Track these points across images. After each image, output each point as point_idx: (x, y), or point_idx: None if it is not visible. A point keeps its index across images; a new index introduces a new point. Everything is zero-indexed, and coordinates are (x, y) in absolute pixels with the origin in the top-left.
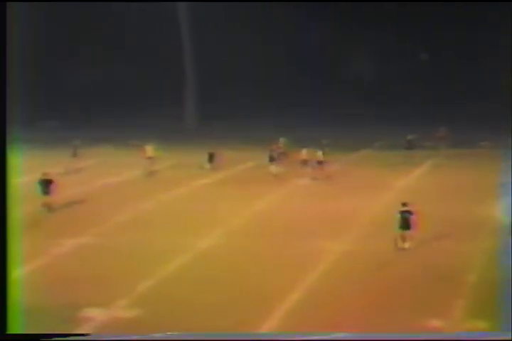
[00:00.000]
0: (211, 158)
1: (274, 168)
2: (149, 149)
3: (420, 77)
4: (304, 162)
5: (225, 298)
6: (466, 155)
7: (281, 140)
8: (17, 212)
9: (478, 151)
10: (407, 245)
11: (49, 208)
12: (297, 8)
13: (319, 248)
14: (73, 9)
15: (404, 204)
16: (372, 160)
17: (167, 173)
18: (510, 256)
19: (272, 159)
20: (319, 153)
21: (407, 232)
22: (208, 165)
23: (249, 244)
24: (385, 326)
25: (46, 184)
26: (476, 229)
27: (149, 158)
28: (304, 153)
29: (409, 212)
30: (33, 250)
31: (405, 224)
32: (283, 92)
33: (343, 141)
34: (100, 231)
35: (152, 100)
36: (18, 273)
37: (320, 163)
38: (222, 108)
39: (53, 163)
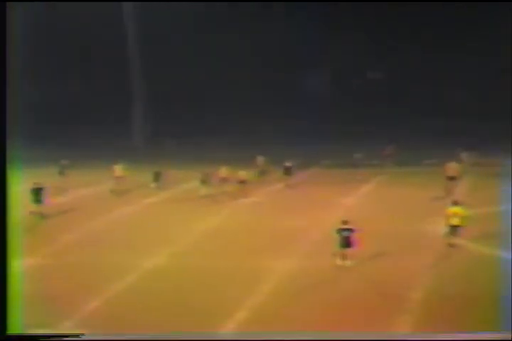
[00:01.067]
0: (157, 176)
1: (203, 190)
2: (118, 168)
3: (368, 95)
4: (224, 180)
5: (171, 317)
6: (411, 173)
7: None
8: None
9: (423, 169)
10: (348, 263)
11: (41, 215)
12: (261, 20)
13: (266, 266)
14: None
15: (344, 222)
16: (319, 177)
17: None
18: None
19: (203, 181)
20: (241, 172)
21: (348, 250)
22: (153, 184)
23: (195, 263)
24: None
25: (38, 192)
26: (419, 246)
27: (119, 177)
28: (224, 171)
29: (349, 230)
30: None
31: (346, 242)
32: (234, 108)
33: (291, 159)
34: (49, 251)
35: (102, 117)
36: None
37: (242, 182)
38: (172, 125)
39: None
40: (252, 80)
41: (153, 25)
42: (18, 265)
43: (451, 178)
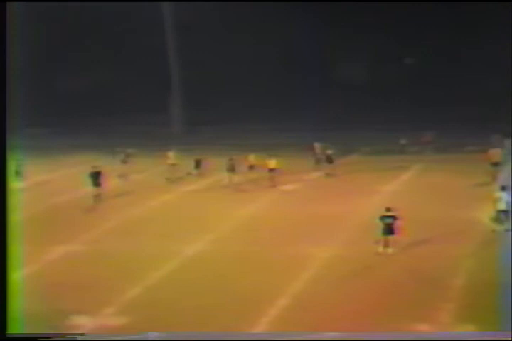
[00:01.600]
0: (198, 164)
1: (228, 178)
2: (172, 155)
3: (408, 81)
4: (251, 167)
5: (212, 304)
6: (451, 160)
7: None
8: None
9: (465, 156)
10: (390, 250)
11: (98, 199)
12: (287, 12)
13: (306, 253)
14: (58, 16)
15: (387, 210)
16: (360, 165)
17: (154, 179)
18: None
19: (231, 169)
20: (272, 161)
21: (391, 237)
22: (194, 171)
23: (236, 250)
24: (372, 330)
25: (96, 176)
26: (462, 233)
27: (172, 164)
28: (252, 159)
29: (392, 217)
30: (22, 257)
31: (388, 229)
32: (272, 97)
33: (332, 146)
34: (88, 238)
35: (138, 106)
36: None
37: (272, 170)
38: (209, 113)
39: (44, 170)
40: (286, 69)
41: (189, 13)
42: (18, 265)
43: (495, 164)
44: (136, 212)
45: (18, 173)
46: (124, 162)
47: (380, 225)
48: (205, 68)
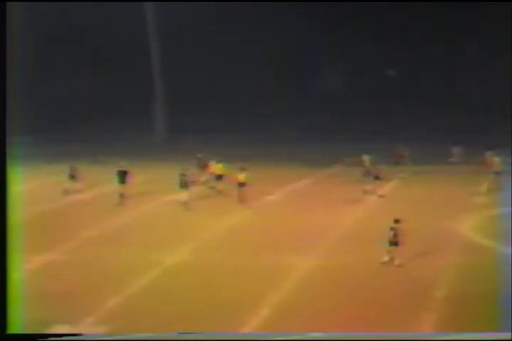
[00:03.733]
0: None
1: (182, 196)
2: (217, 166)
3: (387, 92)
4: (219, 177)
5: (193, 313)
6: (435, 170)
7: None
8: None
9: (448, 167)
10: (396, 262)
11: (123, 196)
12: (271, 23)
13: (288, 263)
14: (42, 23)
15: (396, 221)
16: (341, 175)
17: (136, 188)
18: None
19: (184, 185)
20: (240, 175)
21: (396, 248)
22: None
23: (218, 260)
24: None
25: (123, 174)
26: (445, 244)
27: (218, 175)
28: (217, 167)
29: (398, 229)
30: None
31: (394, 240)
32: (255, 106)
33: (314, 157)
34: (68, 247)
35: (121, 114)
36: None
37: (241, 184)
38: (193, 122)
39: (25, 178)
40: (273, 77)
41: (173, 22)
42: (18, 265)
43: (497, 173)
44: (117, 220)
45: (72, 177)
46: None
47: (388, 236)
48: (189, 77)
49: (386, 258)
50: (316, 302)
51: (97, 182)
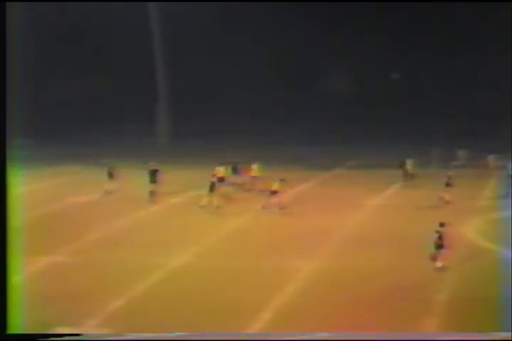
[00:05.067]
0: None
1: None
2: (254, 168)
3: (395, 95)
4: (221, 179)
5: (196, 316)
6: (438, 174)
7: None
8: None
9: (451, 170)
10: (439, 264)
11: (154, 195)
12: (276, 26)
13: (291, 266)
14: (44, 22)
15: (441, 225)
16: (345, 178)
17: (139, 191)
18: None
19: (212, 189)
20: (274, 184)
21: (441, 251)
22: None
23: (221, 263)
24: None
25: (154, 173)
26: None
27: (254, 177)
28: (220, 171)
29: (443, 232)
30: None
31: (439, 243)
32: (259, 109)
33: (317, 160)
34: (71, 249)
35: (125, 117)
36: None
37: (273, 192)
38: (196, 125)
39: (29, 180)
40: (275, 81)
41: (177, 24)
42: (20, 267)
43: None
44: (121, 223)
45: (110, 175)
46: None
47: (433, 239)
48: (193, 79)
49: (439, 264)
50: (319, 306)
51: (102, 185)
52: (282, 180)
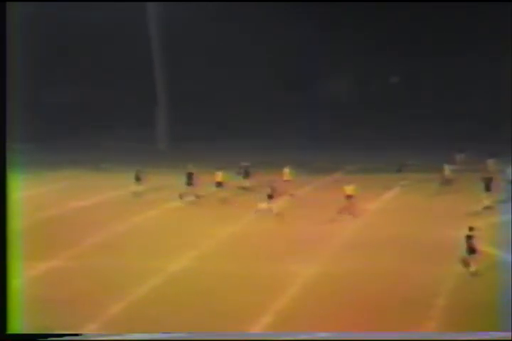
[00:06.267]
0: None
1: (273, 207)
2: (286, 172)
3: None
4: (219, 184)
5: (195, 321)
6: (436, 178)
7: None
8: None
9: (449, 175)
10: (473, 269)
11: (183, 197)
12: (275, 28)
13: (291, 270)
14: (44, 22)
15: (471, 229)
16: (344, 183)
17: (138, 196)
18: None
19: (271, 196)
20: (348, 188)
21: (473, 256)
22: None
23: (220, 267)
24: None
25: (190, 176)
26: (445, 252)
27: (286, 181)
28: (220, 175)
29: (473, 237)
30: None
31: (470, 248)
32: (259, 113)
33: (316, 164)
34: (71, 254)
35: (124, 121)
36: None
37: (349, 197)
38: (196, 129)
39: (28, 185)
40: (274, 84)
41: (177, 27)
42: (20, 271)
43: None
44: (120, 227)
45: (138, 178)
46: (189, 181)
47: (463, 244)
48: (192, 83)
49: (472, 269)
50: (319, 310)
51: (102, 189)
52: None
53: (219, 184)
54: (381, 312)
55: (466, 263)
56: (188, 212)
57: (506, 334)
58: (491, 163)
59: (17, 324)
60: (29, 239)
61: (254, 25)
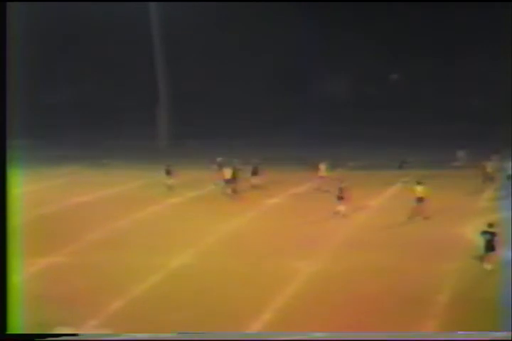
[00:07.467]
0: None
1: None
2: (322, 168)
3: (394, 98)
4: (228, 181)
5: (196, 317)
6: (439, 175)
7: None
8: None
9: (451, 171)
10: (489, 267)
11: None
12: (277, 28)
13: (291, 267)
14: (44, 22)
15: (489, 225)
16: (345, 180)
17: (139, 192)
18: None
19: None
20: (418, 190)
21: (491, 254)
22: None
23: (221, 264)
24: None
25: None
26: (449, 249)
27: (321, 177)
28: (228, 172)
29: (492, 234)
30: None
31: (489, 245)
32: (259, 111)
33: (317, 161)
34: (72, 250)
35: (125, 119)
36: None
37: (420, 199)
38: (196, 127)
39: (28, 181)
40: (275, 82)
41: (178, 27)
42: (19, 267)
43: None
44: (120, 224)
45: (168, 172)
46: (219, 169)
47: (481, 241)
48: (193, 82)
49: (489, 266)
50: (319, 307)
51: (102, 185)
52: (419, 184)
53: (228, 181)
54: (381, 310)
55: (484, 260)
56: (190, 209)
57: (506, 334)
58: (491, 160)
59: (17, 320)
60: (29, 235)
61: (255, 25)
